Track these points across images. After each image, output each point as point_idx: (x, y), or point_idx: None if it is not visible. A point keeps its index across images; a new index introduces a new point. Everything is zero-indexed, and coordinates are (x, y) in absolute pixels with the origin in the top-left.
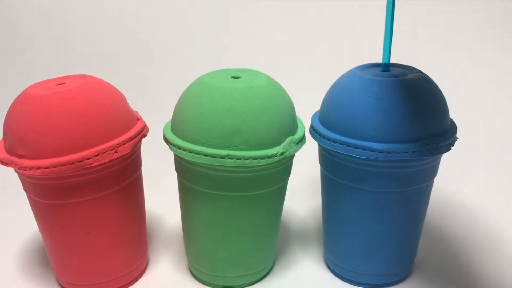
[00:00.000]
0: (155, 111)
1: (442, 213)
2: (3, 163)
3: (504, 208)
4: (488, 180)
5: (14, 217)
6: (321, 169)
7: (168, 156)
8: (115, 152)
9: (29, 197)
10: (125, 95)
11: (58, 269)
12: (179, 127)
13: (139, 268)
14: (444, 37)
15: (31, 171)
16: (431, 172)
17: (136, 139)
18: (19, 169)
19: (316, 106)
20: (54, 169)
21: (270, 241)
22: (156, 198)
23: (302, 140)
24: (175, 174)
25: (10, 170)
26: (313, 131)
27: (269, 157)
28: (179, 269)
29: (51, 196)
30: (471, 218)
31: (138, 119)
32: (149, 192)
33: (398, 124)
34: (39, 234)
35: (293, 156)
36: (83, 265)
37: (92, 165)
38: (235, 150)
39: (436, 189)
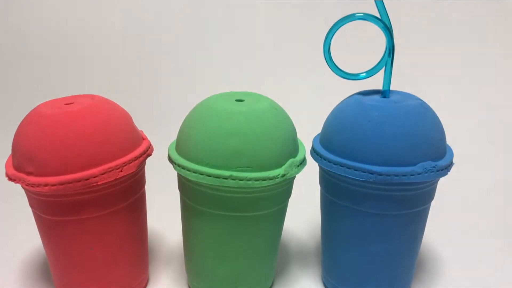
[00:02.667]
0: (160, 131)
1: (439, 235)
2: (11, 179)
3: (500, 232)
4: (483, 205)
5: (17, 231)
6: (321, 191)
7: (171, 175)
8: (121, 171)
9: (34, 213)
10: (131, 115)
11: (60, 284)
12: (184, 147)
13: (140, 285)
14: (441, 66)
15: (38, 188)
16: (429, 195)
17: (141, 159)
18: (27, 185)
19: (317, 129)
20: (61, 186)
21: (270, 261)
22: (158, 216)
23: (303, 162)
24: (177, 192)
25: (15, 185)
26: (314, 153)
27: (271, 178)
28: (179, 287)
29: (57, 212)
30: (467, 241)
31: (144, 138)
32: (151, 210)
33: (397, 148)
34: (42, 249)
35: (294, 178)
36: (85, 281)
37: (98, 183)
38: (238, 171)
39: (432, 211)
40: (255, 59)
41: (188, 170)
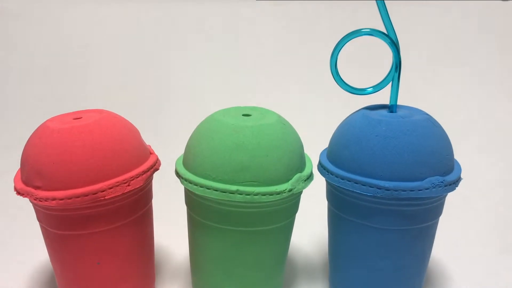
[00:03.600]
0: (168, 145)
1: (447, 250)
2: (19, 193)
3: (508, 249)
4: (492, 220)
5: (25, 245)
6: (328, 206)
7: (178, 190)
8: (128, 185)
9: (42, 227)
10: (139, 130)
11: None
12: (191, 162)
13: None
14: (448, 81)
15: (46, 202)
16: (437, 210)
17: (148, 173)
18: (35, 200)
19: (324, 144)
20: (69, 200)
21: (277, 276)
22: (165, 231)
23: (310, 177)
24: (184, 207)
25: (23, 200)
26: (321, 167)
27: (278, 193)
28: None
29: (64, 226)
30: (476, 257)
31: (151, 153)
32: (157, 224)
33: (404, 163)
34: (49, 263)
35: (301, 192)
36: None
37: (106, 197)
38: (245, 185)
39: (440, 227)
40: (262, 74)
41: (195, 184)
